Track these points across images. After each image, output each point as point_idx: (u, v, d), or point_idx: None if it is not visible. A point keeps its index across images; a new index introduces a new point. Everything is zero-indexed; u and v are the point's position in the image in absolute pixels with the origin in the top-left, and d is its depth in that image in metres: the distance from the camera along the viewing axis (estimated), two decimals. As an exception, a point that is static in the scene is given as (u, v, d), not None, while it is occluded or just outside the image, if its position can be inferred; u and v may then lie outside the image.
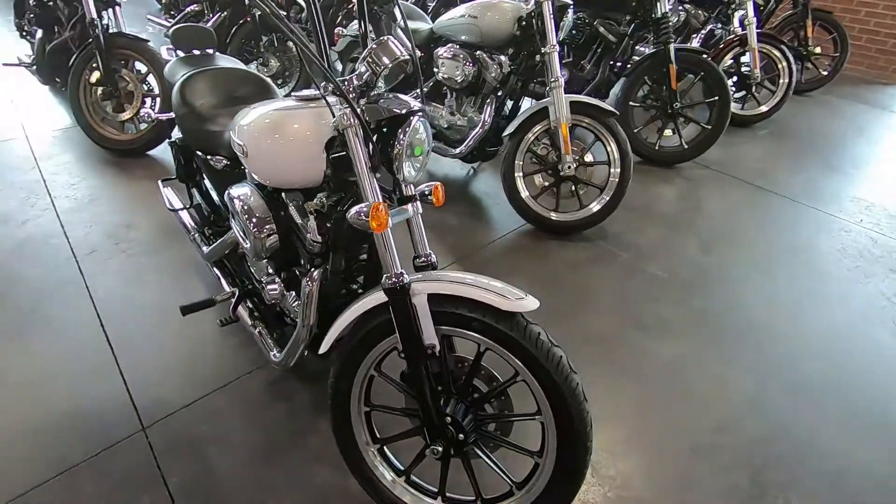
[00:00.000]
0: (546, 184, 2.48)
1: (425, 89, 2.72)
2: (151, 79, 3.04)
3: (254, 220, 1.32)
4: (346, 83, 1.06)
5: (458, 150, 2.58)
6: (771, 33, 3.62)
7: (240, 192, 1.37)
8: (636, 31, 3.00)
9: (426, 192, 1.23)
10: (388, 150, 1.09)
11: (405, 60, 1.06)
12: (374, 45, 1.03)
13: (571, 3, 2.33)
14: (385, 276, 1.07)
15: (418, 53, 2.73)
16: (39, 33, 3.30)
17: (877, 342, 1.93)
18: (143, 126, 2.99)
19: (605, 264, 2.31)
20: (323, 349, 1.22)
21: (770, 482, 1.46)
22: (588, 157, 2.46)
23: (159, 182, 2.14)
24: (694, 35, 3.74)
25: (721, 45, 3.55)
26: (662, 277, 2.23)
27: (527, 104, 2.55)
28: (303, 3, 3.88)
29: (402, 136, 1.06)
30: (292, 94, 1.23)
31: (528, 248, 2.43)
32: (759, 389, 1.73)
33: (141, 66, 3.03)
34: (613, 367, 1.81)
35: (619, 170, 2.34)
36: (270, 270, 1.52)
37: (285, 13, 3.67)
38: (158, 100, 3.05)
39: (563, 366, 1.08)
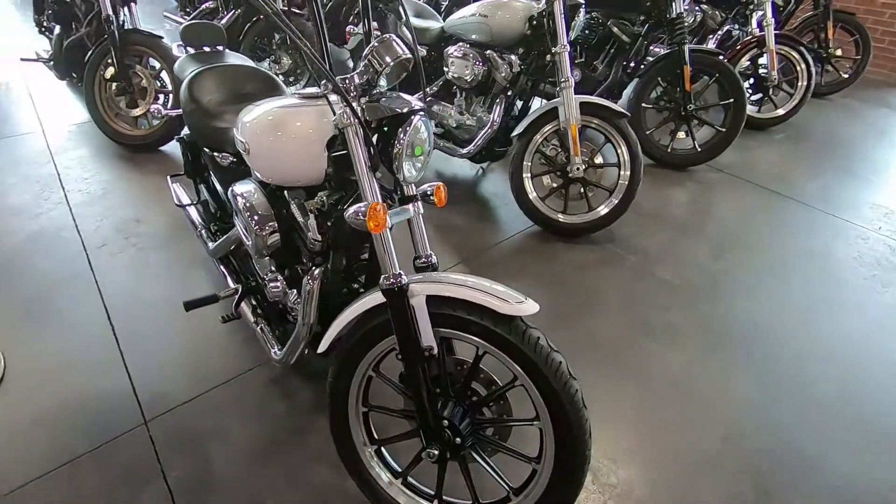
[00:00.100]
0: (554, 185, 2.45)
1: (434, 88, 2.71)
2: (165, 75, 3.08)
3: (256, 217, 1.33)
4: (347, 81, 1.05)
5: (466, 150, 2.56)
6: (790, 35, 3.55)
7: (243, 190, 1.37)
8: (650, 32, 2.95)
9: (428, 193, 1.22)
10: (388, 149, 1.08)
11: (407, 59, 1.05)
12: (376, 44, 1.02)
13: (583, 2, 2.30)
14: (383, 276, 1.06)
15: (423, 52, 2.74)
16: (57, 29, 3.35)
17: (892, 353, 1.87)
18: (156, 122, 3.02)
19: (613, 267, 2.27)
20: (322, 348, 1.22)
21: (776, 493, 1.43)
22: (598, 159, 2.43)
23: (168, 178, 2.16)
24: (710, 36, 3.68)
25: (738, 47, 3.48)
26: (671, 282, 2.19)
27: (538, 104, 2.52)
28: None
29: (402, 136, 1.05)
30: (295, 91, 1.22)
31: (535, 249, 2.40)
32: (767, 398, 1.69)
33: (155, 63, 3.07)
34: (618, 371, 1.78)
35: (629, 172, 2.30)
36: (273, 268, 1.52)
37: (302, 11, 3.68)
38: (171, 96, 3.08)
39: (563, 372, 1.06)
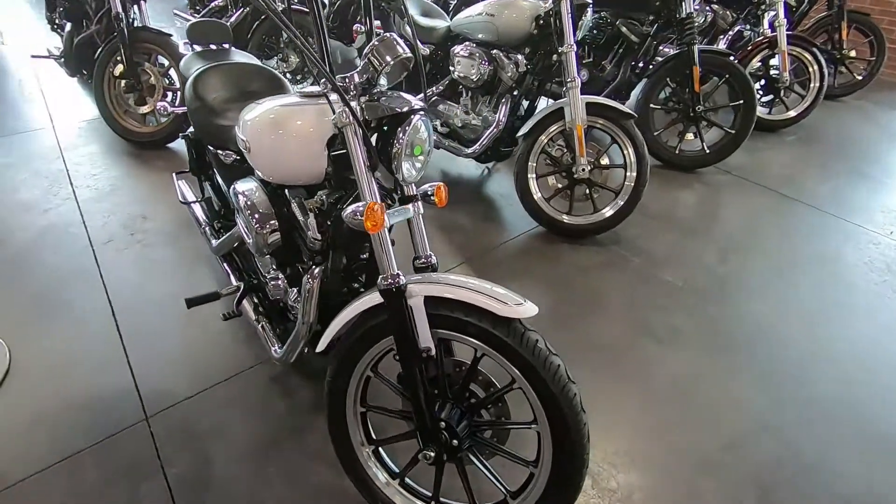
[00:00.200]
0: (559, 186, 2.43)
1: (440, 87, 2.70)
2: (173, 72, 3.10)
3: (256, 215, 1.33)
4: (346, 80, 1.05)
5: (471, 150, 2.55)
6: (802, 35, 3.49)
7: (244, 188, 1.37)
8: (659, 32, 2.92)
9: (429, 193, 1.21)
10: (388, 148, 1.07)
11: (408, 58, 1.04)
12: (377, 42, 1.02)
13: (591, 2, 2.28)
14: (381, 276, 1.06)
15: (426, 51, 2.73)
16: (68, 26, 3.39)
17: (902, 361, 1.84)
18: (164, 119, 3.04)
19: (618, 270, 2.25)
20: (320, 347, 1.22)
21: (779, 500, 1.41)
22: (604, 160, 2.41)
23: (174, 175, 2.17)
24: (721, 36, 3.64)
25: (749, 48, 3.43)
26: (676, 285, 2.17)
27: (544, 104, 2.51)
28: (326, 0, 3.89)
29: (401, 135, 1.04)
30: (297, 90, 1.22)
31: (539, 250, 2.39)
32: (772, 405, 1.67)
33: (164, 60, 3.09)
34: (620, 373, 1.76)
35: (635, 174, 2.28)
36: (274, 266, 1.52)
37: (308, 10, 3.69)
38: (179, 93, 3.10)
39: (561, 375, 1.05)
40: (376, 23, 2.71)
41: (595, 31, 3.06)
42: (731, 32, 3.63)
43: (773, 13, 3.31)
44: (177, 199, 2.08)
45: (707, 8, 3.50)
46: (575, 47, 2.18)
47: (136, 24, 2.98)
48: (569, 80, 2.19)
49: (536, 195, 2.38)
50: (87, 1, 3.28)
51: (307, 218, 1.27)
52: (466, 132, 2.65)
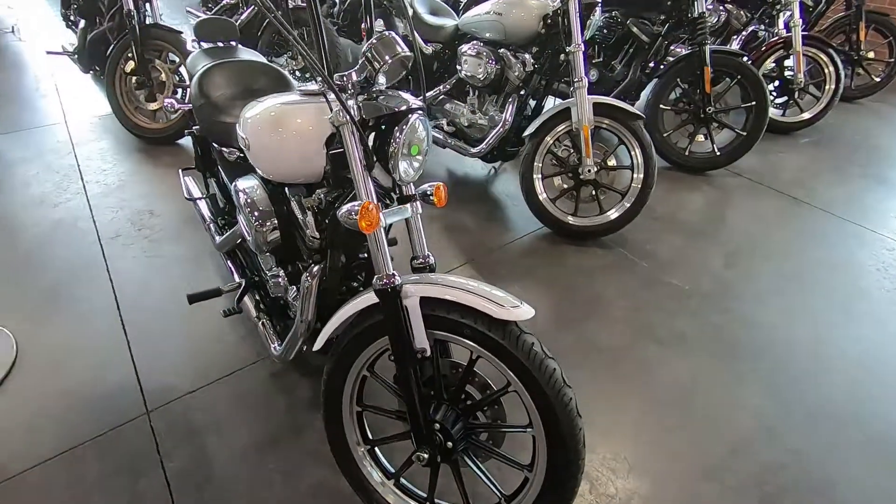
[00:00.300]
0: (565, 187, 2.41)
1: (447, 86, 2.69)
2: (184, 69, 3.12)
3: (256, 213, 1.33)
4: (344, 78, 1.04)
5: (477, 150, 2.54)
6: (818, 36, 3.43)
7: (245, 185, 1.37)
8: (671, 32, 2.88)
9: (428, 192, 1.20)
10: (385, 147, 1.06)
11: (406, 56, 1.04)
12: (375, 40, 1.01)
13: (599, 1, 2.25)
14: (376, 276, 1.06)
15: (429, 50, 2.72)
16: (82, 23, 3.43)
17: (913, 370, 1.79)
18: (173, 115, 3.07)
19: (622, 272, 2.23)
20: (317, 346, 1.22)
21: (781, 513, 1.38)
22: (611, 161, 2.38)
23: (180, 171, 2.18)
24: (734, 36, 3.58)
25: (763, 48, 3.37)
26: (681, 289, 2.14)
27: (552, 104, 2.48)
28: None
29: (398, 135, 1.03)
30: (297, 88, 1.22)
31: (543, 251, 2.37)
32: (776, 411, 1.63)
33: (175, 57, 3.11)
34: (621, 377, 1.74)
35: (642, 175, 2.26)
36: (274, 264, 1.52)
37: (321, 6, 3.69)
38: (189, 90, 3.12)
39: (557, 379, 1.04)
40: (379, 21, 2.71)
41: (605, 31, 3.03)
42: (744, 32, 3.57)
43: (788, 13, 3.25)
44: (183, 195, 2.10)
45: (720, 8, 3.45)
46: (583, 47, 2.16)
47: (147, 22, 3.01)
48: (576, 79, 2.16)
49: (542, 196, 2.36)
50: (100, -2, 3.32)
51: (306, 216, 1.27)
52: (473, 131, 2.64)
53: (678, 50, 3.19)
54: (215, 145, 1.69)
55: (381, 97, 1.07)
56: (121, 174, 2.85)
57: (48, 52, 3.71)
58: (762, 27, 3.63)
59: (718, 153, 2.93)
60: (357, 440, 1.30)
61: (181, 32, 3.01)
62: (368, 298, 1.10)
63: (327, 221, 1.24)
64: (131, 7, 2.84)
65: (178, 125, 3.07)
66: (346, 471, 1.31)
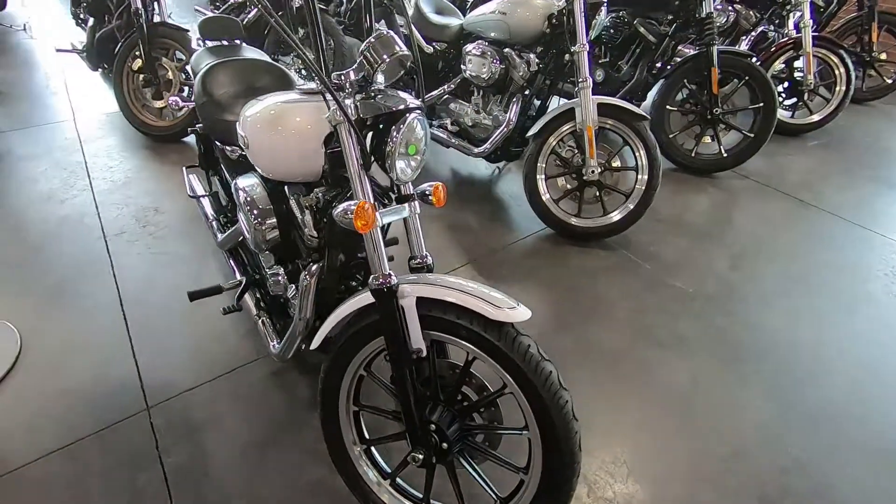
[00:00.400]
0: (569, 187, 2.40)
1: (452, 86, 2.69)
2: (189, 68, 3.13)
3: (255, 211, 1.33)
4: (342, 77, 1.04)
5: (480, 149, 2.53)
6: (829, 37, 3.38)
7: (245, 184, 1.38)
8: (678, 32, 2.86)
9: (426, 192, 1.20)
10: (382, 147, 1.06)
11: (405, 56, 1.03)
12: (373, 39, 1.01)
13: (605, 1, 2.24)
14: (372, 276, 1.05)
15: (431, 49, 2.71)
16: (91, 21, 3.46)
17: (920, 377, 1.76)
18: (179, 113, 3.09)
19: (625, 274, 2.21)
20: (314, 345, 1.22)
21: (781, 520, 1.36)
22: (616, 162, 2.37)
23: (184, 168, 2.19)
24: (743, 37, 3.54)
25: (773, 49, 3.34)
26: (685, 291, 2.12)
27: (558, 104, 2.47)
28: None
29: (395, 134, 1.03)
30: (297, 87, 1.22)
31: (546, 252, 2.36)
32: (778, 416, 1.61)
33: (182, 56, 3.13)
34: (621, 380, 1.73)
35: (646, 176, 2.24)
36: (274, 262, 1.52)
37: (325, 7, 3.70)
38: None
39: (553, 381, 1.03)
40: (381, 22, 2.71)
41: (612, 31, 3.01)
42: (753, 33, 3.53)
43: (798, 14, 3.21)
44: (186, 192, 2.11)
45: (730, 8, 3.42)
46: (588, 47, 2.14)
47: (155, 20, 3.03)
48: (580, 80, 2.15)
49: (545, 196, 2.35)
50: (109, -4, 3.35)
51: (304, 215, 1.27)
52: (477, 131, 2.63)
53: (686, 50, 3.17)
54: (218, 143, 1.70)
55: (379, 96, 1.07)
56: (127, 171, 2.87)
57: (57, 50, 3.75)
58: (772, 28, 3.59)
59: (725, 155, 2.90)
60: (353, 439, 1.29)
61: (188, 31, 3.03)
62: (365, 298, 1.10)
63: (325, 220, 1.24)
64: (139, 5, 2.86)
65: (184, 123, 3.08)
66: (342, 470, 1.31)
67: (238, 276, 1.76)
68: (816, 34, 3.25)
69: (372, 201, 1.05)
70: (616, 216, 2.31)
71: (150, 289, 2.07)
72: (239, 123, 1.31)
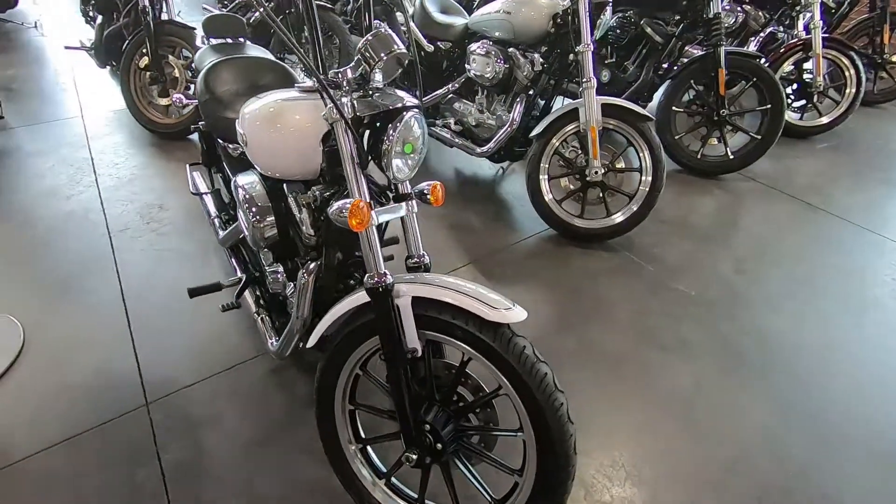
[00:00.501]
0: (572, 188, 2.38)
1: (456, 85, 2.68)
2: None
3: (254, 209, 1.33)
4: (339, 76, 1.04)
5: (483, 149, 2.52)
6: (839, 38, 3.34)
7: (245, 181, 1.38)
8: (685, 32, 2.83)
9: (424, 192, 1.19)
10: (379, 145, 1.06)
11: (402, 53, 1.03)
12: (370, 37, 1.00)
13: (610, 0, 2.22)
14: (367, 275, 1.05)
15: (431, 48, 2.70)
16: (99, 19, 3.49)
17: (927, 385, 1.74)
18: (185, 111, 3.11)
19: (628, 276, 2.19)
20: (311, 343, 1.21)
21: (781, 527, 1.35)
22: (620, 164, 2.35)
23: (188, 166, 2.20)
24: (752, 38, 3.50)
25: (782, 50, 3.30)
26: (688, 294, 2.10)
27: (562, 103, 2.46)
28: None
29: (391, 132, 1.02)
30: (296, 85, 1.22)
31: (548, 253, 2.34)
32: (782, 423, 1.59)
33: (188, 53, 3.15)
34: (622, 383, 1.72)
35: (650, 178, 2.22)
36: (274, 259, 1.52)
37: (332, 6, 3.70)
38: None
39: (548, 383, 1.02)
40: (382, 19, 2.71)
41: (618, 31, 2.99)
42: (762, 34, 3.49)
43: (808, 15, 3.18)
44: (189, 190, 2.12)
45: (738, 9, 3.38)
46: (592, 47, 2.13)
47: (164, 18, 3.05)
48: (584, 80, 2.14)
49: (548, 197, 2.34)
50: (117, -6, 3.37)
51: (302, 213, 1.27)
52: (481, 131, 2.63)
53: (693, 51, 3.14)
54: (220, 141, 1.70)
55: (377, 94, 1.07)
56: (133, 168, 2.89)
57: (66, 47, 3.79)
58: (781, 29, 3.55)
59: (732, 157, 2.87)
60: (349, 438, 1.29)
61: (194, 29, 3.04)
62: (360, 297, 1.09)
63: (322, 219, 1.24)
64: (146, 4, 2.88)
65: (189, 121, 3.10)
66: (337, 468, 1.31)
67: (239, 274, 1.77)
68: (827, 35, 3.21)
69: (368, 200, 1.05)
70: (619, 217, 2.29)
71: (153, 285, 2.08)
72: (238, 121, 1.31)
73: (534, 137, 2.31)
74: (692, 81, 2.86)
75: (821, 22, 3.09)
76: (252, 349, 1.80)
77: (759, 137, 2.81)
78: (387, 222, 1.31)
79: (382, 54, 1.00)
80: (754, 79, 2.78)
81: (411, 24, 2.38)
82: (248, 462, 1.46)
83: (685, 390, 1.70)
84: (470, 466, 1.20)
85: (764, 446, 1.53)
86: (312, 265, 1.31)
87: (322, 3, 3.44)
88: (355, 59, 1.03)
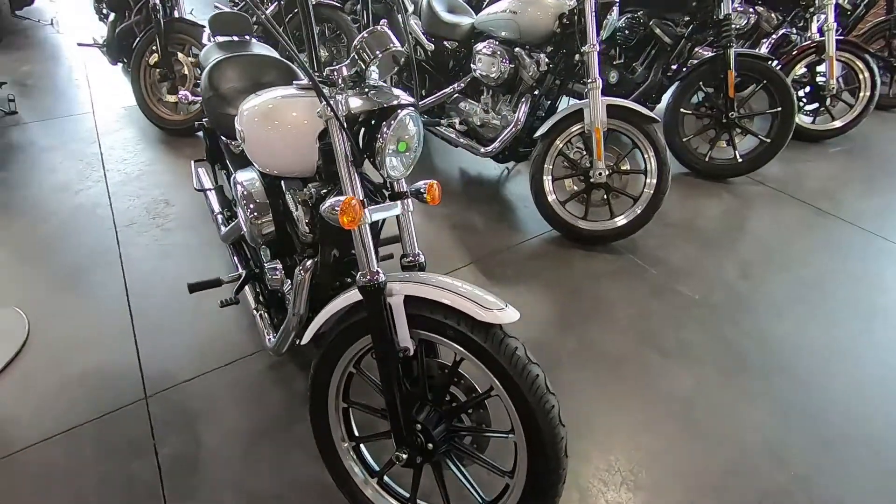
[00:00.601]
0: (576, 189, 2.37)
1: (462, 85, 2.67)
2: (205, 63, 3.18)
3: (252, 205, 1.34)
4: (335, 73, 1.04)
5: (488, 149, 2.51)
6: (854, 41, 3.28)
7: (244, 178, 1.39)
8: (695, 33, 2.80)
9: (421, 190, 1.19)
10: (373, 143, 1.05)
11: (398, 51, 1.02)
12: (366, 34, 1.00)
13: (617, 1, 2.20)
14: (360, 273, 1.05)
15: (430, 46, 2.69)
16: (112, 16, 3.53)
17: (935, 395, 1.70)
18: (194, 107, 3.13)
19: (631, 279, 2.17)
20: (304, 340, 1.22)
21: (779, 537, 1.32)
22: (625, 165, 2.33)
23: (192, 162, 2.22)
24: (764, 40, 3.45)
25: (794, 52, 3.25)
26: (692, 298, 2.07)
27: (567, 104, 2.44)
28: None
29: (385, 130, 1.02)
30: (294, 82, 1.22)
31: (551, 254, 2.33)
32: (782, 433, 1.57)
33: (197, 51, 3.17)
34: (620, 386, 1.70)
35: (655, 180, 2.20)
36: (272, 256, 1.53)
37: (340, 5, 3.72)
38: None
39: (539, 385, 1.02)
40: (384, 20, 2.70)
41: (627, 31, 2.97)
42: (774, 36, 3.44)
43: (822, 17, 3.12)
44: (193, 186, 2.14)
45: (751, 10, 3.34)
46: (598, 47, 2.11)
47: (175, 15, 3.08)
48: (590, 80, 2.12)
49: (551, 198, 2.33)
50: (129, -9, 3.41)
51: (298, 210, 1.27)
52: (486, 131, 2.62)
53: (703, 52, 3.10)
54: (223, 138, 1.71)
55: (372, 92, 1.06)
56: (141, 164, 2.92)
57: (79, 44, 3.84)
58: (794, 31, 3.49)
59: (740, 160, 2.83)
60: (342, 436, 1.29)
61: (203, 27, 3.06)
62: (354, 295, 1.09)
63: (318, 216, 1.24)
64: (157, 1, 2.91)
65: (197, 117, 3.13)
66: (330, 466, 1.31)
67: (239, 270, 1.78)
68: (841, 38, 3.15)
69: (361, 197, 1.05)
70: (623, 220, 2.27)
71: (156, 280, 2.10)
72: (237, 118, 1.31)
73: (538, 138, 2.30)
74: (701, 83, 2.83)
75: (835, 24, 3.03)
76: (252, 345, 1.81)
77: (769, 141, 2.76)
78: (383, 221, 1.30)
79: (378, 52, 1.00)
80: (764, 81, 2.74)
81: (411, 22, 2.37)
82: (244, 457, 1.47)
83: (684, 395, 1.68)
84: (461, 467, 1.19)
85: (764, 455, 1.50)
86: (309, 262, 1.32)
87: (332, 2, 3.45)
88: (351, 56, 1.02)
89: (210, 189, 2.07)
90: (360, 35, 1.01)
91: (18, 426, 1.53)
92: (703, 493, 1.41)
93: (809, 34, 3.28)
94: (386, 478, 1.30)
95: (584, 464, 1.47)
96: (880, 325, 1.96)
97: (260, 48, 1.98)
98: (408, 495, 1.27)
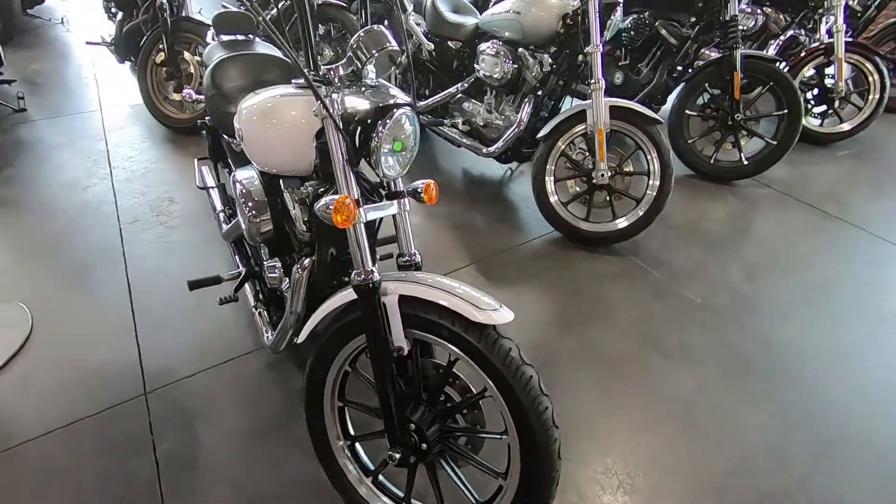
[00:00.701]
0: (578, 190, 2.36)
1: (465, 85, 2.67)
2: (210, 62, 3.20)
3: (250, 203, 1.34)
4: (331, 72, 1.04)
5: (490, 149, 2.50)
6: (864, 43, 3.24)
7: (243, 176, 1.39)
8: (700, 35, 2.78)
9: (418, 190, 1.19)
10: (369, 143, 1.05)
11: (395, 50, 1.02)
12: (362, 33, 1.00)
13: (621, 1, 2.19)
14: (354, 272, 1.05)
15: (431, 46, 2.69)
16: (120, 15, 3.57)
17: (940, 402, 1.67)
18: (200, 106, 3.15)
19: (633, 280, 2.16)
20: (301, 338, 1.22)
21: (777, 543, 1.31)
22: (628, 167, 2.32)
23: (195, 160, 2.24)
24: (772, 41, 3.42)
25: (803, 54, 3.21)
26: (694, 301, 2.05)
27: (571, 104, 2.43)
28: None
29: (381, 129, 1.02)
30: (293, 80, 1.22)
31: (552, 255, 2.32)
32: (783, 436, 1.55)
33: (203, 50, 3.20)
34: (621, 388, 1.69)
35: (658, 182, 2.18)
36: (271, 254, 1.53)
37: (346, 4, 3.73)
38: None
39: (533, 387, 1.01)
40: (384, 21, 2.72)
41: (632, 32, 2.95)
42: (783, 37, 3.41)
43: (832, 18, 3.09)
44: (196, 184, 2.15)
45: (759, 11, 3.31)
46: (601, 48, 2.10)
47: (182, 14, 3.11)
48: (593, 81, 2.11)
49: (553, 199, 2.32)
50: (136, -10, 3.44)
51: (295, 209, 1.28)
52: (489, 131, 2.61)
53: (709, 54, 3.08)
54: (224, 136, 1.72)
55: (369, 91, 1.06)
56: (146, 162, 2.95)
57: (87, 43, 3.88)
58: (802, 32, 3.45)
59: (746, 162, 2.80)
60: (337, 434, 1.29)
61: (210, 26, 3.08)
62: (349, 294, 1.09)
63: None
64: (164, 0, 2.93)
65: (202, 116, 3.14)
66: (325, 464, 1.31)
67: (240, 268, 1.78)
68: (850, 40, 3.11)
69: (355, 197, 1.05)
70: (625, 222, 2.26)
71: (158, 277, 2.12)
72: (236, 116, 1.32)
73: (540, 139, 2.29)
74: (707, 85, 2.81)
75: (844, 26, 3.00)
76: (251, 343, 1.82)
77: (775, 143, 2.74)
78: (380, 220, 1.30)
79: (374, 51, 1.00)
80: (771, 83, 2.71)
81: (411, 21, 2.37)
82: (241, 454, 1.48)
83: (685, 397, 1.66)
84: (455, 467, 1.19)
85: (765, 458, 1.49)
86: (306, 261, 1.32)
87: (338, 2, 3.45)
88: (347, 55, 1.03)
89: (212, 187, 2.08)
90: (357, 34, 1.01)
91: (19, 420, 1.55)
92: (704, 492, 1.40)
93: (818, 36, 3.24)
94: (381, 477, 1.30)
95: (582, 466, 1.46)
96: (886, 328, 1.93)
97: (263, 47, 1.99)
98: (402, 495, 1.27)
